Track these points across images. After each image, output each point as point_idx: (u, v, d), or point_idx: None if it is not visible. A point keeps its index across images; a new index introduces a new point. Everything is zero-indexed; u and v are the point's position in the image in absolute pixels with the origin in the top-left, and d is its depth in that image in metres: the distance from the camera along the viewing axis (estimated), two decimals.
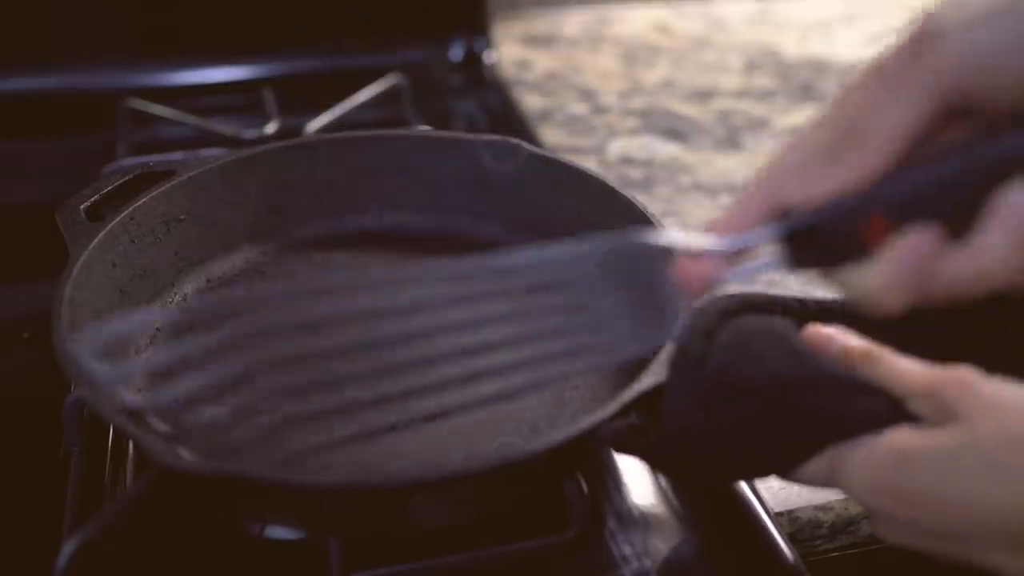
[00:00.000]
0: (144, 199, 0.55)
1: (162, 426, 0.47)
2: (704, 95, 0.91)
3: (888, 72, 0.30)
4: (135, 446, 0.49)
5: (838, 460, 0.35)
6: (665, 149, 0.82)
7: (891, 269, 0.29)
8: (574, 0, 1.08)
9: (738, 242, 0.31)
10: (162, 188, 0.56)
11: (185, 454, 0.40)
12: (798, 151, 0.31)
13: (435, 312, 0.34)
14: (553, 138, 0.83)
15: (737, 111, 0.88)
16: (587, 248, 0.33)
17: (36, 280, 0.55)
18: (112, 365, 0.49)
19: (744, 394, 0.37)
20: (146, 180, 0.57)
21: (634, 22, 1.06)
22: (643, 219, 0.54)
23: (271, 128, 0.76)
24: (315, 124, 0.74)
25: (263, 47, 0.88)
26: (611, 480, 0.50)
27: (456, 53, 0.92)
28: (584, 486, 0.45)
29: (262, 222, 0.61)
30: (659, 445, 0.40)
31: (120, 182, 0.56)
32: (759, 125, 0.86)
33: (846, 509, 0.51)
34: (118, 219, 0.53)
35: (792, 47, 1.00)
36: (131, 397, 0.47)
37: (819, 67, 0.96)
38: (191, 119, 0.77)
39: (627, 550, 0.47)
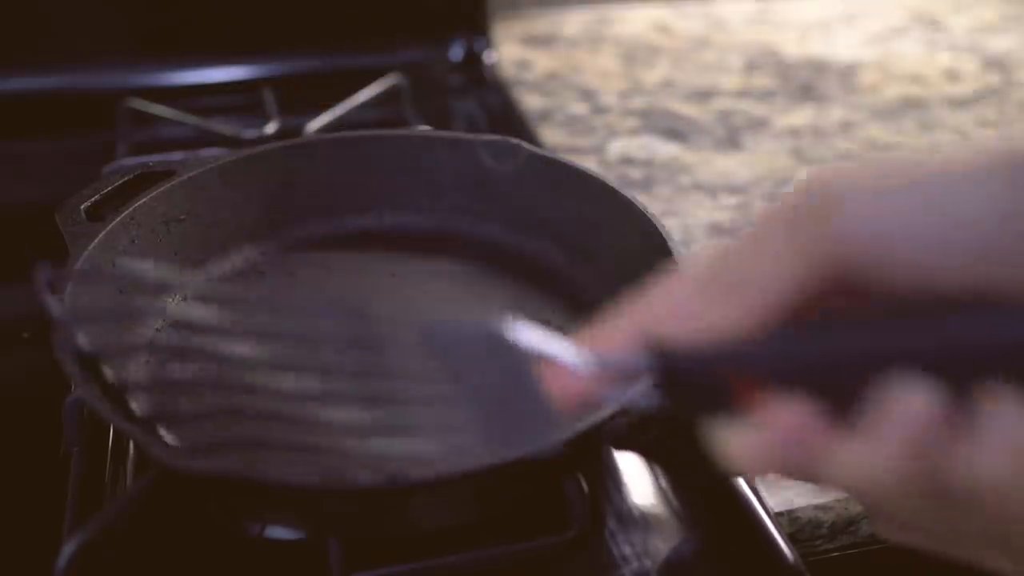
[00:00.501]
0: (144, 199, 0.55)
1: (164, 428, 0.47)
2: (704, 95, 0.91)
3: (775, 226, 0.27)
4: (135, 446, 0.49)
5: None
6: (665, 149, 0.82)
7: (762, 438, 0.26)
8: (574, 0, 1.08)
9: (605, 362, 0.28)
10: (162, 188, 0.56)
11: (185, 454, 0.40)
12: (679, 284, 0.28)
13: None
14: (553, 138, 0.83)
15: (737, 111, 0.88)
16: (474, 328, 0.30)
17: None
18: (113, 368, 0.49)
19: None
20: (146, 180, 0.57)
21: (634, 22, 1.06)
22: (643, 219, 0.54)
23: (271, 128, 0.76)
24: (315, 124, 0.74)
25: (263, 47, 0.88)
26: (611, 480, 0.50)
27: (456, 53, 0.93)
28: (584, 486, 0.45)
29: (262, 222, 0.61)
30: (658, 440, 0.40)
31: (120, 182, 0.56)
32: (759, 125, 0.86)
33: (846, 509, 0.51)
34: (118, 219, 0.53)
35: (792, 47, 1.00)
36: (133, 398, 0.48)
37: (819, 67, 0.96)
38: (191, 119, 0.77)
39: (627, 550, 0.47)
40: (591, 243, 0.58)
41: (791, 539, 0.47)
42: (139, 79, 0.85)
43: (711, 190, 0.76)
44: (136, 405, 0.49)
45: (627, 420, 0.41)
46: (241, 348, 0.42)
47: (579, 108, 0.89)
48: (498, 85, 0.91)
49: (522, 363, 0.29)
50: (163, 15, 0.86)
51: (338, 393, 0.35)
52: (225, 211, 0.59)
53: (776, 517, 0.49)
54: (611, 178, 0.60)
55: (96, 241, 0.51)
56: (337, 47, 0.90)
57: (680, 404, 0.27)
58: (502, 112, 0.87)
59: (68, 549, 0.39)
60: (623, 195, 0.56)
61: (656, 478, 0.51)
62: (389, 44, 0.91)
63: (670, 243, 0.51)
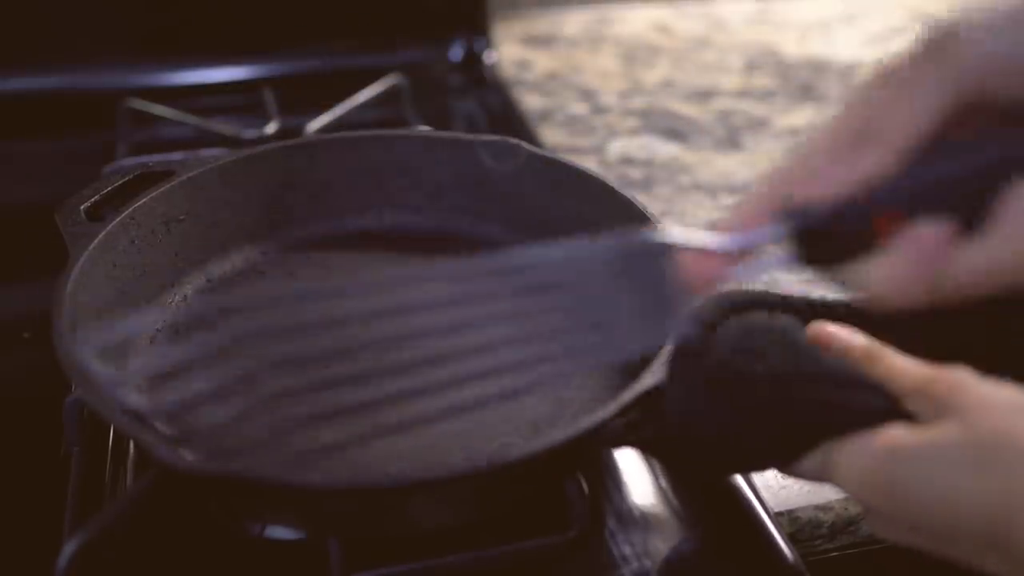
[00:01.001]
0: (144, 199, 0.55)
1: (164, 427, 0.47)
2: (704, 95, 0.91)
3: (903, 72, 0.29)
4: (135, 446, 0.49)
5: (833, 455, 0.36)
6: (665, 149, 0.82)
7: (902, 262, 0.29)
8: (574, 0, 1.08)
9: (744, 240, 0.31)
10: (162, 188, 0.56)
11: (186, 454, 0.40)
12: (809, 151, 0.31)
13: (438, 313, 0.34)
14: (553, 138, 0.83)
15: (737, 111, 0.88)
16: (591, 247, 0.33)
17: (36, 280, 0.55)
18: (113, 367, 0.49)
19: (743, 386, 0.37)
20: (146, 180, 0.57)
21: (634, 22, 1.06)
22: (643, 219, 0.54)
23: (271, 128, 0.76)
24: (315, 124, 0.74)
25: (263, 47, 0.88)
26: (611, 480, 0.50)
27: (456, 53, 0.92)
28: (584, 486, 0.45)
29: (262, 222, 0.61)
30: (657, 434, 0.41)
31: (120, 182, 0.56)
32: (759, 125, 0.86)
33: (846, 509, 0.51)
34: (118, 219, 0.53)
35: (792, 47, 1.00)
36: (133, 397, 0.47)
37: (819, 67, 0.96)
38: (191, 119, 0.77)
39: (627, 550, 0.47)
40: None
41: (791, 539, 0.47)
42: (139, 79, 0.85)
43: (711, 190, 0.76)
44: (137, 404, 0.49)
45: (624, 420, 0.41)
46: (243, 349, 0.42)
47: (579, 108, 0.89)
48: (498, 85, 0.91)
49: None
50: (163, 15, 0.86)
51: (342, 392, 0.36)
52: (225, 211, 0.59)
53: (776, 517, 0.49)
54: (611, 178, 0.60)
55: (96, 241, 0.51)
56: (337, 47, 0.90)
57: (820, 260, 0.30)
58: (502, 112, 0.87)
59: (68, 549, 0.39)
60: (623, 195, 0.56)
61: (656, 478, 0.51)
62: (389, 44, 0.91)
63: None
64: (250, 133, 0.75)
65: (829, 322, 0.39)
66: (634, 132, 0.84)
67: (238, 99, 0.85)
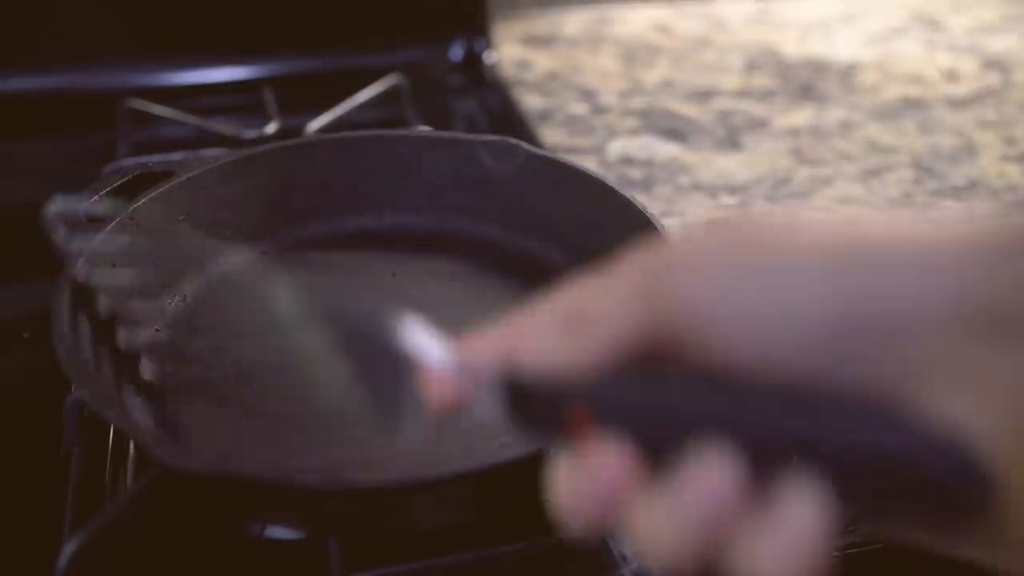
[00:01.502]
0: (144, 199, 0.55)
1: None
2: (704, 95, 0.91)
3: (622, 272, 0.28)
4: (135, 446, 0.49)
5: None
6: (665, 149, 0.82)
7: (581, 476, 0.26)
8: (574, 0, 1.08)
9: (464, 369, 0.28)
10: (162, 188, 0.56)
11: (186, 454, 0.40)
12: (536, 313, 0.29)
13: None
14: (553, 138, 0.83)
15: (737, 111, 0.88)
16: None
17: (36, 280, 0.55)
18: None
19: None
20: (146, 180, 0.57)
21: (634, 22, 1.06)
22: (643, 219, 0.54)
23: (271, 128, 0.76)
24: (315, 124, 0.74)
25: (263, 47, 0.88)
26: None
27: (456, 53, 0.93)
28: None
29: (262, 222, 0.61)
30: None
31: (120, 182, 0.56)
32: (759, 125, 0.86)
33: None
34: (118, 219, 0.53)
35: (792, 47, 1.00)
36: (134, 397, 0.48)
37: (819, 67, 0.96)
38: (191, 119, 0.77)
39: (627, 550, 0.47)
40: (591, 243, 0.58)
41: None
42: (139, 79, 0.85)
43: (711, 190, 0.76)
44: (147, 370, 0.49)
45: None
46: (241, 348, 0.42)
47: (579, 108, 0.89)
48: (498, 85, 0.91)
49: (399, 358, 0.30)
50: (163, 15, 0.86)
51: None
52: (225, 211, 0.59)
53: None
54: (611, 178, 0.60)
55: (96, 241, 0.51)
56: (337, 47, 0.90)
57: (522, 426, 0.28)
58: (502, 112, 0.87)
59: (69, 549, 0.39)
60: (622, 195, 0.56)
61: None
62: (389, 44, 0.91)
63: None
64: (250, 133, 0.75)
65: None
66: (634, 132, 0.84)
67: (238, 99, 0.85)
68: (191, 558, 0.46)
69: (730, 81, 0.93)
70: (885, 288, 0.25)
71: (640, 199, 0.56)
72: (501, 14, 1.01)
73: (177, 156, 0.67)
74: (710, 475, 0.25)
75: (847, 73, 0.95)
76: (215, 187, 0.59)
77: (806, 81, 0.94)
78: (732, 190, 0.76)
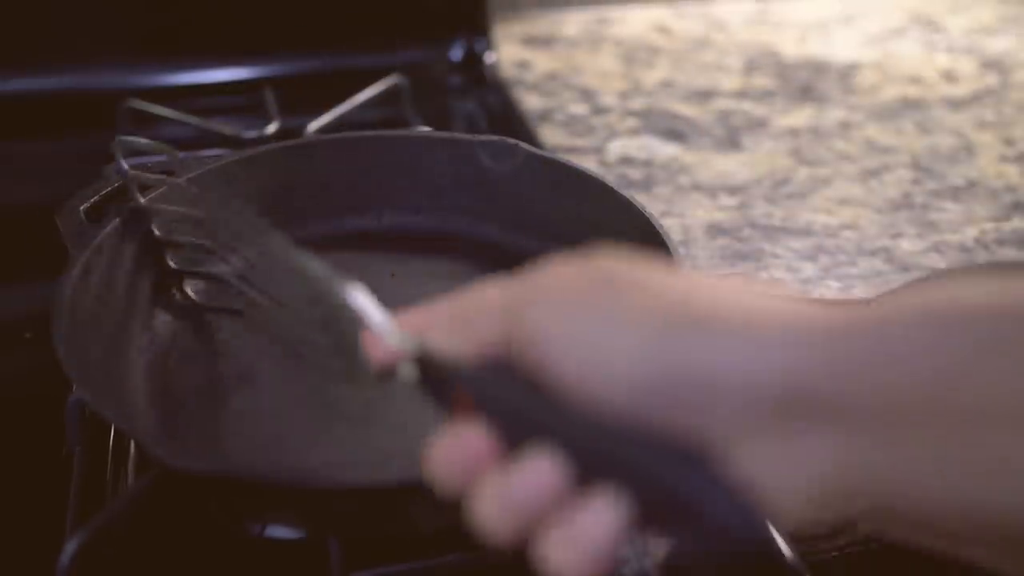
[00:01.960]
0: (144, 199, 0.55)
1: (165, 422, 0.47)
2: (704, 95, 0.91)
3: (496, 293, 0.33)
4: (136, 446, 0.49)
5: None
6: (665, 149, 0.82)
7: (447, 444, 0.31)
8: (574, 0, 1.08)
9: (388, 336, 0.34)
10: (162, 189, 0.56)
11: (186, 454, 0.40)
12: (437, 308, 0.34)
13: None
14: (553, 138, 0.83)
15: (736, 111, 0.88)
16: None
17: (37, 280, 0.55)
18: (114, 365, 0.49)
19: None
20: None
21: (634, 22, 1.06)
22: (642, 219, 0.54)
23: (272, 128, 0.76)
24: (315, 124, 0.74)
25: (263, 47, 0.89)
26: None
27: (456, 53, 0.93)
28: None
29: None
30: None
31: (120, 182, 0.56)
32: (758, 125, 0.86)
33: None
34: (118, 219, 0.53)
35: (791, 48, 1.00)
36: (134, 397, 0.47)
37: (818, 67, 0.96)
38: (192, 119, 0.77)
39: (627, 550, 0.47)
40: (590, 243, 0.58)
41: (791, 539, 0.47)
42: (139, 79, 0.85)
43: (710, 190, 0.77)
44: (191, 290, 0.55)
45: None
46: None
47: (579, 108, 0.89)
48: (498, 85, 0.91)
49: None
50: (163, 15, 0.86)
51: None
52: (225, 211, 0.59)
53: None
54: (611, 178, 0.60)
55: (96, 241, 0.51)
56: (337, 47, 0.90)
57: (426, 395, 0.33)
58: (502, 112, 0.87)
59: (70, 547, 0.40)
60: (622, 195, 0.56)
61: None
62: (389, 44, 0.91)
63: (669, 243, 0.52)
64: (250, 133, 0.75)
65: None
66: (634, 132, 0.84)
67: (239, 99, 0.85)
68: (191, 558, 0.46)
69: (730, 81, 0.93)
70: (706, 356, 0.28)
71: (640, 199, 0.56)
72: (501, 14, 1.01)
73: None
74: (536, 472, 0.29)
75: (846, 74, 0.95)
76: (215, 187, 0.59)
77: (805, 82, 0.94)
78: (732, 190, 0.76)
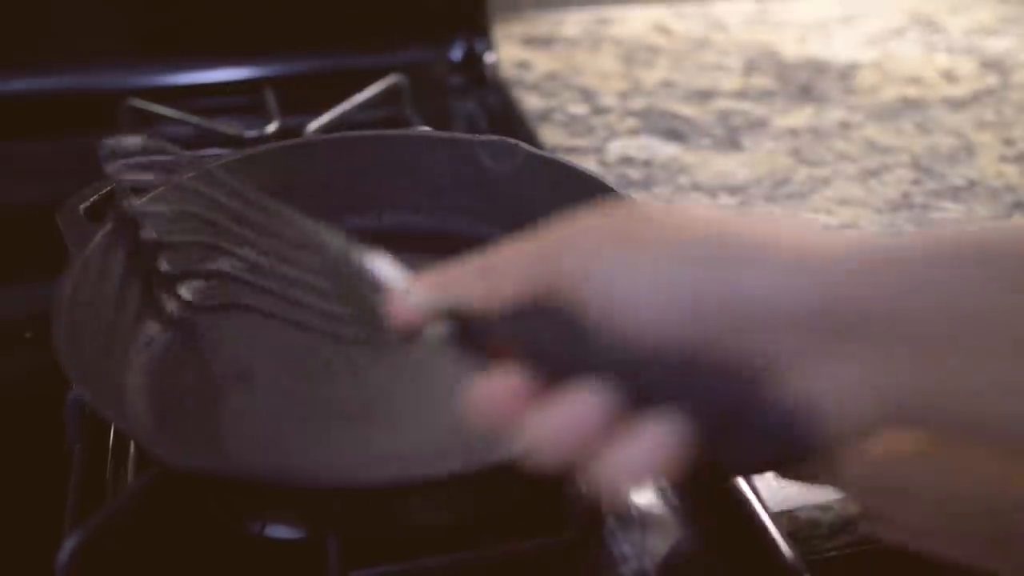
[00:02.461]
0: (144, 199, 0.55)
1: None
2: (703, 95, 0.91)
3: (530, 244, 0.34)
4: (136, 445, 0.49)
5: (833, 456, 0.36)
6: (664, 149, 0.82)
7: (489, 386, 0.32)
8: (574, 0, 1.08)
9: (419, 297, 0.35)
10: (162, 188, 0.56)
11: (186, 453, 0.40)
12: (468, 264, 0.35)
13: None
14: (553, 138, 0.83)
15: (736, 111, 0.88)
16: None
17: (38, 280, 0.55)
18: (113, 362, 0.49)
19: None
20: None
21: (634, 22, 1.06)
22: None
23: (272, 128, 0.76)
24: (315, 124, 0.74)
25: (264, 47, 0.89)
26: None
27: (456, 53, 0.93)
28: (583, 486, 0.45)
29: None
30: None
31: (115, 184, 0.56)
32: (758, 125, 0.86)
33: (845, 509, 0.51)
34: (118, 219, 0.53)
35: (791, 48, 1.00)
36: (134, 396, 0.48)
37: (818, 68, 0.96)
38: (193, 119, 0.77)
39: (627, 549, 0.47)
40: None
41: (790, 538, 0.47)
42: (140, 79, 0.85)
43: (710, 190, 0.77)
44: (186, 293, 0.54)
45: None
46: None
47: (579, 108, 0.89)
48: (498, 85, 0.91)
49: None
50: (164, 15, 0.86)
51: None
52: None
53: (775, 516, 0.49)
54: (611, 178, 0.60)
55: (96, 241, 0.51)
56: (337, 47, 0.90)
57: (459, 348, 0.34)
58: (502, 112, 0.87)
59: (69, 545, 0.40)
60: (622, 195, 0.56)
61: (655, 477, 0.51)
62: (389, 44, 0.91)
63: None
64: (251, 133, 0.75)
65: None
66: (634, 132, 0.84)
67: (239, 99, 0.85)
68: (190, 557, 0.46)
69: (729, 81, 0.93)
70: (758, 282, 0.29)
71: (639, 199, 0.56)
72: (501, 14, 1.02)
73: None
74: (584, 400, 0.30)
75: (846, 74, 0.95)
76: (217, 181, 0.59)
77: (805, 82, 0.94)
78: (731, 190, 0.76)
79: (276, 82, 0.84)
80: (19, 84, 0.83)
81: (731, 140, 0.84)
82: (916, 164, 0.81)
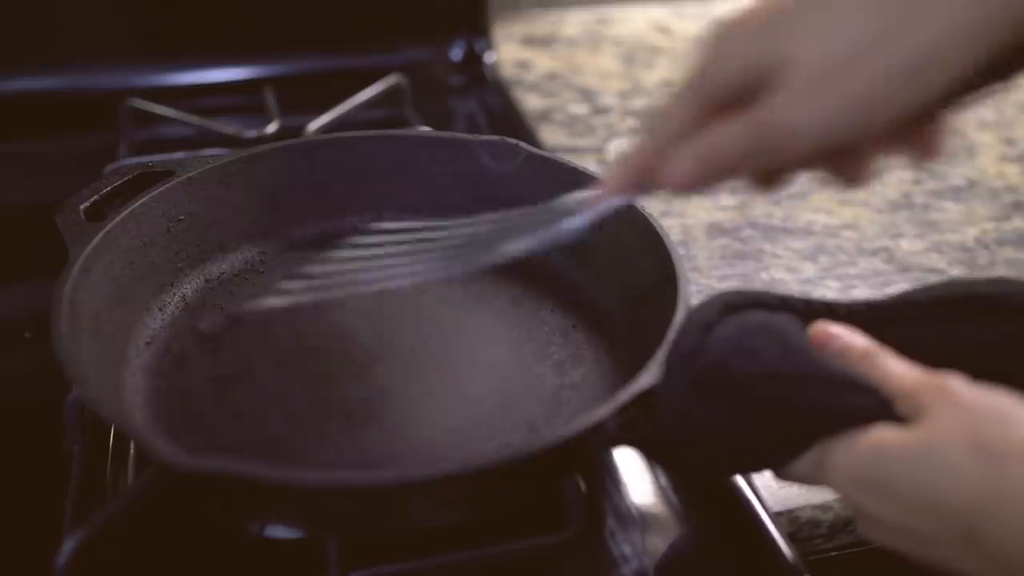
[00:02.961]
0: (143, 199, 0.55)
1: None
2: None
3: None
4: (136, 445, 0.49)
5: (824, 455, 0.36)
6: None
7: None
8: (574, 0, 1.08)
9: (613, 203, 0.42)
10: (161, 188, 0.56)
11: (185, 453, 0.40)
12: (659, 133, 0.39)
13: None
14: (553, 138, 0.83)
15: None
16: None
17: (36, 280, 0.55)
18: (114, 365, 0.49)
19: (737, 387, 0.37)
20: (146, 180, 0.57)
21: (634, 22, 1.06)
22: (641, 219, 0.54)
23: (272, 128, 0.76)
24: (315, 124, 0.74)
25: (264, 47, 0.89)
26: (610, 479, 0.50)
27: (456, 53, 0.93)
28: (582, 485, 0.45)
29: (261, 222, 0.61)
30: (652, 434, 0.41)
31: (120, 182, 0.56)
32: None
33: (845, 509, 0.51)
34: (118, 219, 0.53)
35: None
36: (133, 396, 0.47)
37: None
38: (192, 119, 0.77)
39: (626, 549, 0.47)
40: (590, 243, 0.58)
41: (790, 539, 0.47)
42: (140, 79, 0.85)
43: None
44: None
45: (621, 420, 0.42)
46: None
47: (579, 108, 0.89)
48: (498, 85, 0.91)
49: None
50: (164, 15, 0.86)
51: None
52: (225, 211, 0.59)
53: (775, 517, 0.49)
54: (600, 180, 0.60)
55: (95, 241, 0.51)
56: (338, 47, 0.90)
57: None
58: (502, 112, 0.87)
59: (68, 546, 0.40)
60: None
61: (655, 477, 0.51)
62: (389, 44, 0.91)
63: (668, 244, 0.52)
64: (251, 133, 0.75)
65: (829, 323, 0.39)
66: (634, 132, 0.84)
67: (239, 99, 0.85)
68: (190, 557, 0.46)
69: None
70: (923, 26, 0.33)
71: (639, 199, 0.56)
72: (501, 14, 1.02)
73: (178, 156, 0.67)
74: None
75: None
76: (214, 187, 0.59)
77: None
78: (732, 190, 0.76)
79: (276, 82, 0.84)
80: (19, 84, 0.83)
81: None
82: (916, 164, 0.81)
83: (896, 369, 0.36)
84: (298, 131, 0.73)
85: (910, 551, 0.35)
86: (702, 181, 0.38)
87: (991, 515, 0.32)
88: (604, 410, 0.41)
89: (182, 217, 0.57)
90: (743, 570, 0.47)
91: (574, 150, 0.82)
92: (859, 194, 0.77)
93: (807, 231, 0.73)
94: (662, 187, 0.39)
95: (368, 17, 0.90)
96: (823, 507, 0.51)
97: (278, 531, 0.46)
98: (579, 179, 0.59)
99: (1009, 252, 0.71)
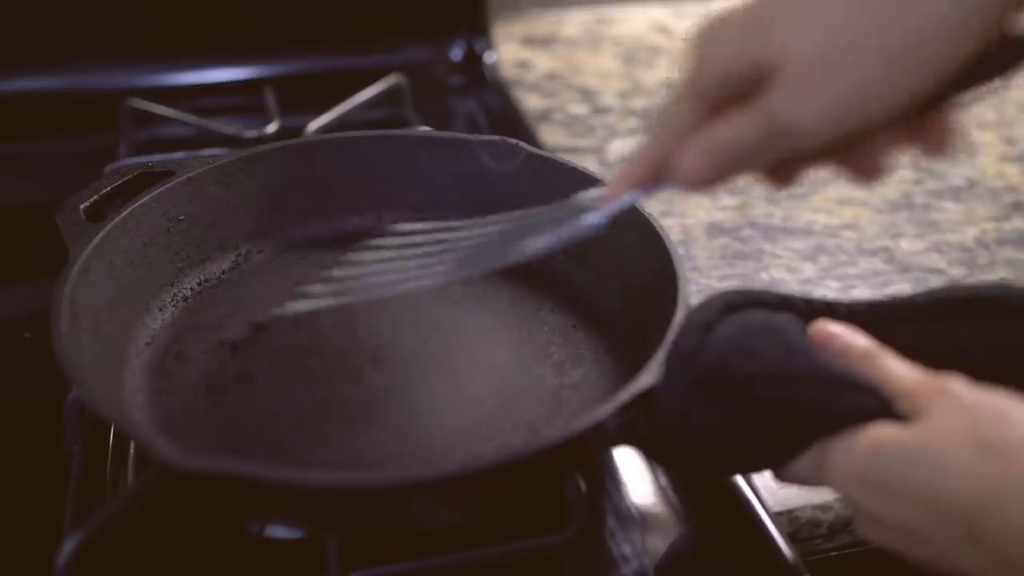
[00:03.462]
0: (144, 199, 0.55)
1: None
2: None
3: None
4: (136, 445, 0.49)
5: (823, 454, 0.36)
6: None
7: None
8: (574, 0, 1.08)
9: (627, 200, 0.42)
10: (161, 188, 0.56)
11: (185, 452, 0.40)
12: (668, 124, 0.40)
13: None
14: (553, 138, 0.83)
15: None
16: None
17: (36, 280, 0.55)
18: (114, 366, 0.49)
19: (737, 386, 0.37)
20: (146, 180, 0.57)
21: (634, 22, 1.06)
22: (641, 220, 0.54)
23: (272, 128, 0.76)
24: (315, 124, 0.74)
25: (264, 47, 0.89)
26: (610, 479, 0.50)
27: (456, 53, 0.93)
28: (582, 486, 0.45)
29: (261, 222, 0.61)
30: (652, 434, 0.41)
31: (120, 182, 0.56)
32: None
33: (845, 509, 0.51)
34: (118, 219, 0.53)
35: None
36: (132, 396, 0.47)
37: None
38: (192, 119, 0.77)
39: (626, 549, 0.47)
40: (590, 243, 0.58)
41: (790, 539, 0.47)
42: (140, 79, 0.85)
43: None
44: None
45: (621, 420, 0.42)
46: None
47: (579, 108, 0.89)
48: (498, 85, 0.91)
49: None
50: (164, 15, 0.86)
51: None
52: (224, 211, 0.59)
53: (775, 517, 0.49)
54: (610, 178, 0.60)
55: (95, 241, 0.51)
56: (338, 47, 0.90)
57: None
58: (502, 112, 0.87)
59: (68, 546, 0.40)
60: None
61: (655, 477, 0.51)
62: (389, 44, 0.91)
63: (668, 243, 0.52)
64: (251, 133, 0.75)
65: (830, 322, 0.39)
66: (634, 132, 0.84)
67: (239, 99, 0.85)
68: (190, 556, 0.46)
69: None
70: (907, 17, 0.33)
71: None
72: (501, 14, 1.02)
73: (178, 156, 0.67)
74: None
75: None
76: (214, 187, 0.59)
77: None
78: (732, 190, 0.76)
79: (276, 82, 0.85)
80: (19, 84, 0.83)
81: None
82: (917, 164, 0.81)
83: (897, 369, 0.36)
84: (298, 131, 0.73)
85: (909, 551, 0.35)
86: (713, 175, 0.38)
87: (991, 513, 0.32)
88: (604, 410, 0.41)
89: (182, 217, 0.57)
90: (743, 570, 0.47)
91: (574, 150, 0.82)
92: (859, 194, 0.77)
93: (807, 231, 0.73)
94: (675, 182, 0.39)
95: (368, 17, 0.90)
96: (823, 507, 0.51)
97: (278, 531, 0.46)
98: (579, 179, 0.59)
99: (1009, 252, 0.71)
